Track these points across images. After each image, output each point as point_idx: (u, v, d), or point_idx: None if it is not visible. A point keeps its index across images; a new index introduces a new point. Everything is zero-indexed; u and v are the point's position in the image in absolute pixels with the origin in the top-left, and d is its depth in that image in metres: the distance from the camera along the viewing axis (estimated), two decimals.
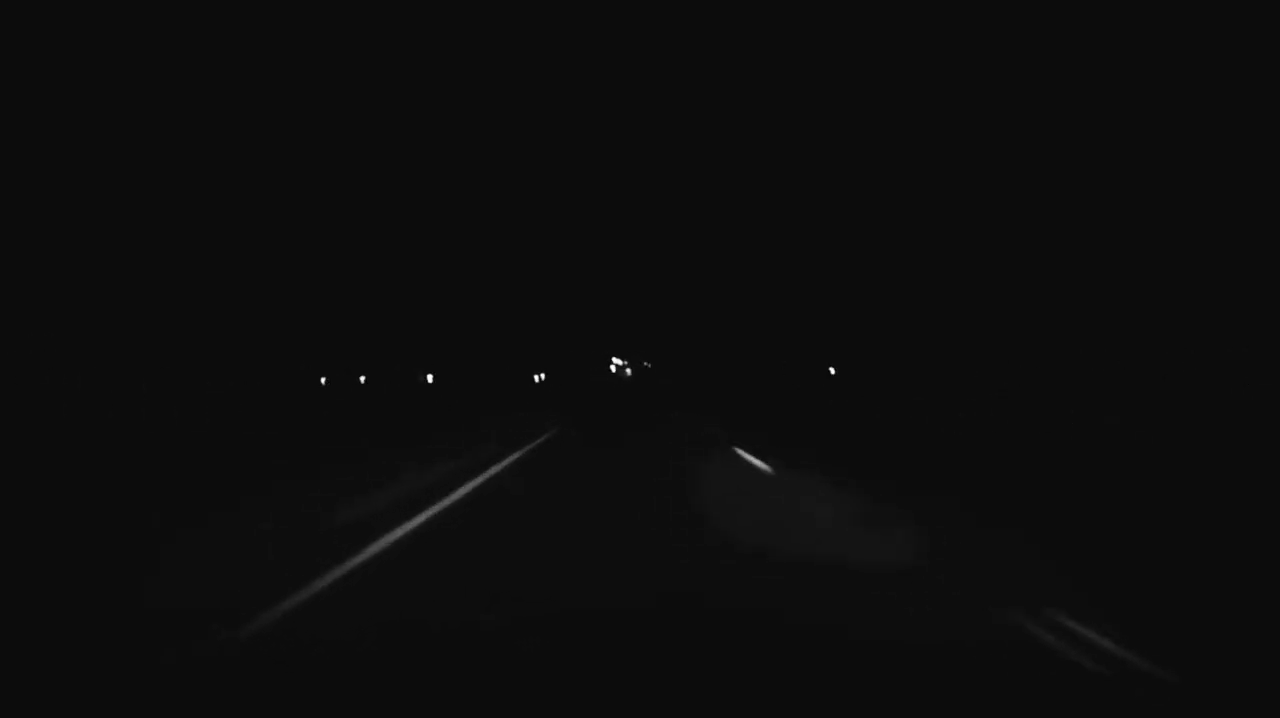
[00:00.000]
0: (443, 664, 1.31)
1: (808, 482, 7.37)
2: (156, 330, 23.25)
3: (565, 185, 48.26)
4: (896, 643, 1.61)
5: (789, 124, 27.16)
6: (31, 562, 4.42)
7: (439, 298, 47.06)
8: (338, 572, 3.93)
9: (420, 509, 5.74)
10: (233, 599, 3.43)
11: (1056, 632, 3.04)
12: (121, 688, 1.18)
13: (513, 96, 48.77)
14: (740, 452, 9.95)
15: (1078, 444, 10.29)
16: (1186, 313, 13.42)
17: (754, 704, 1.09)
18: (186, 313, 24.87)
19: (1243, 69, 12.60)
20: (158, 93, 23.48)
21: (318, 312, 35.68)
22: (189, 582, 3.90)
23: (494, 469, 8.36)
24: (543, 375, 60.59)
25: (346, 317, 39.83)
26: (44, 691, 1.17)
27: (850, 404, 20.68)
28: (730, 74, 31.68)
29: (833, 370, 26.81)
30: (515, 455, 9.85)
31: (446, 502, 6.17)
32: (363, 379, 48.20)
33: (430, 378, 52.30)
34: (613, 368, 64.20)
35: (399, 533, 4.91)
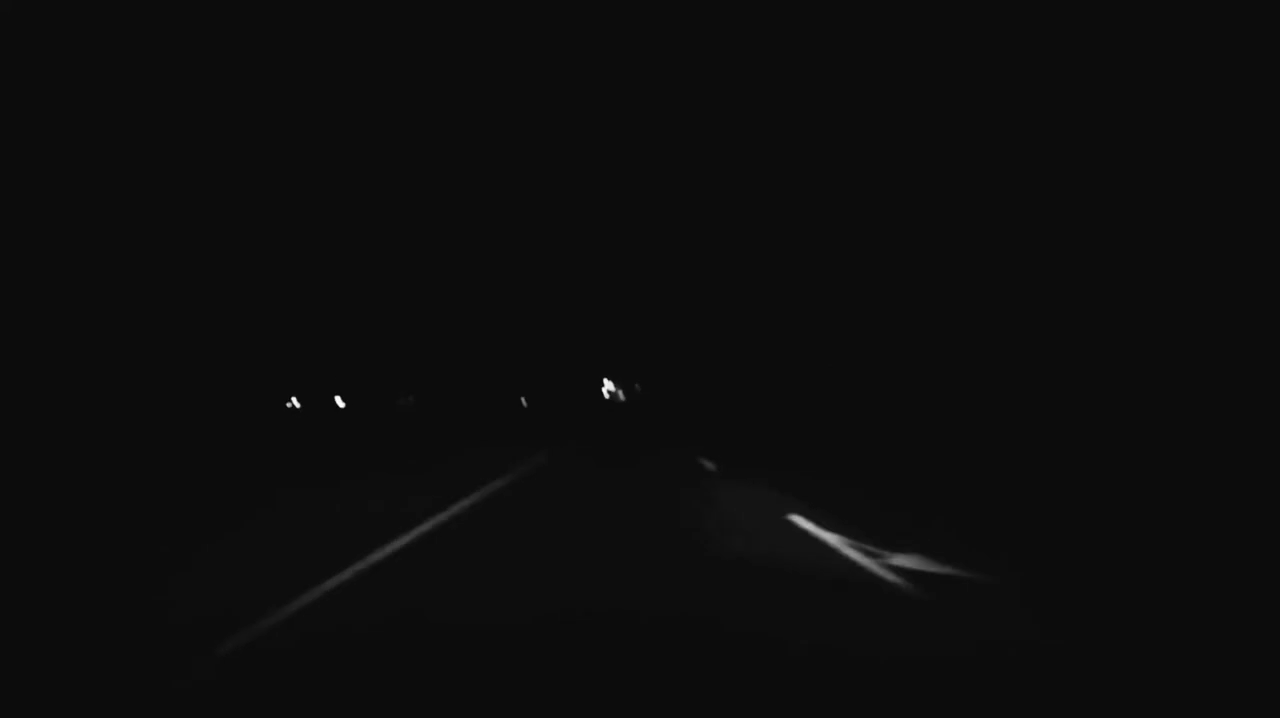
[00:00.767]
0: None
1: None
2: (126, 339, 22.29)
3: (556, 205, 47.36)
4: None
5: (781, 140, 26.26)
6: None
7: (423, 318, 45.73)
8: None
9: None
10: None
11: None
12: None
13: (500, 111, 48.01)
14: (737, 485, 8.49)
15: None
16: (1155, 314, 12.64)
17: None
18: (153, 324, 23.82)
19: (1243, 69, 11.99)
20: (157, 93, 22.82)
21: (292, 327, 34.33)
22: None
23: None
24: (524, 401, 58.77)
25: (326, 334, 38.43)
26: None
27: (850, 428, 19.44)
28: (726, 87, 30.87)
29: (826, 388, 25.66)
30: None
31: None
32: (339, 401, 46.48)
33: (410, 399, 50.55)
34: (605, 393, 62.52)
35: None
